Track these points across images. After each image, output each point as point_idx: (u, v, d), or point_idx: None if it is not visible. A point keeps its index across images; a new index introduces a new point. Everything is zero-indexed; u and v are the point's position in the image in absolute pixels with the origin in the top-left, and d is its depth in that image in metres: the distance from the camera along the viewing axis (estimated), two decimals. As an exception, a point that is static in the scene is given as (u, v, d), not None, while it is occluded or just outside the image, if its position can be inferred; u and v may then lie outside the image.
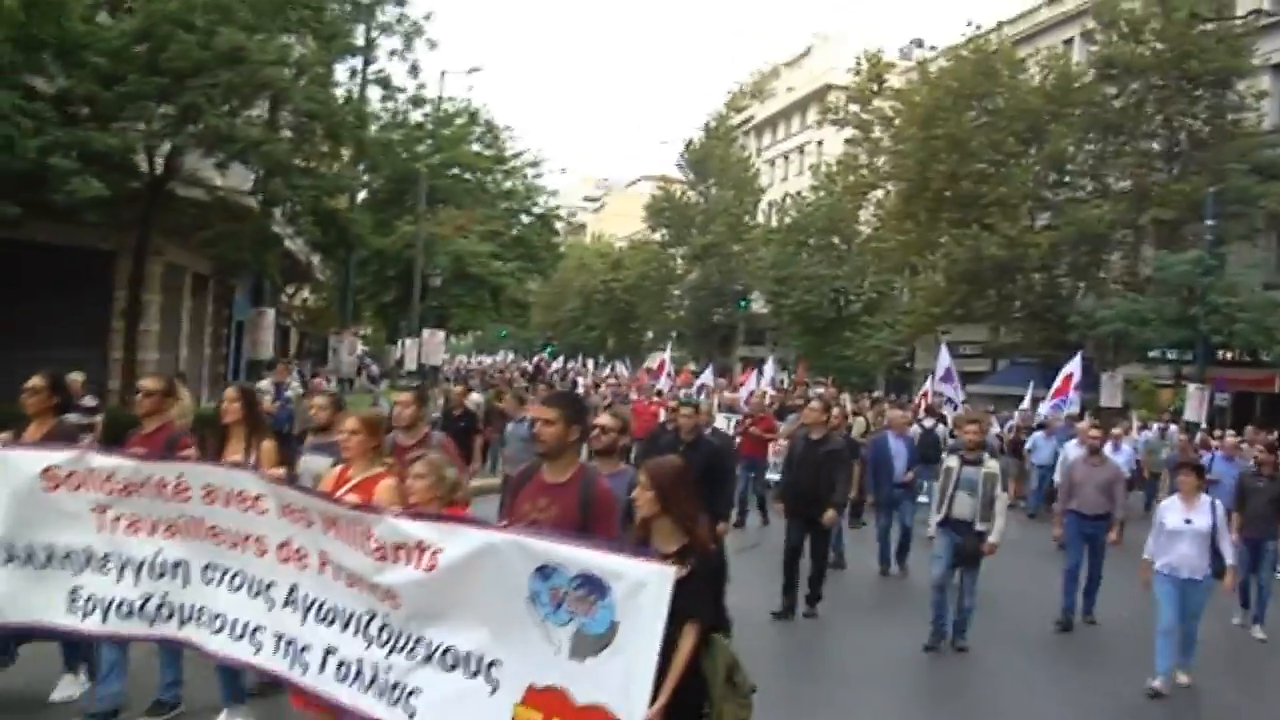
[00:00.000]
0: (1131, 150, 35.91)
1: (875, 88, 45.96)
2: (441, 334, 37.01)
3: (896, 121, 43.40)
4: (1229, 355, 32.84)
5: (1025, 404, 27.17)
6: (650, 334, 78.09)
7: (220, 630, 6.26)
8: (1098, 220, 34.84)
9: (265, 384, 19.32)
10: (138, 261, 19.59)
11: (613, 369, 52.93)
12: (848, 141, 51.43)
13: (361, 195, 35.25)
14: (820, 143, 64.04)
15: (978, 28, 42.60)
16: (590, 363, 64.36)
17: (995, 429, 23.81)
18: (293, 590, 6.01)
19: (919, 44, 63.16)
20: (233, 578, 6.30)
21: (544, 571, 5.03)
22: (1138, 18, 34.71)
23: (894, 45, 62.65)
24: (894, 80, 46.79)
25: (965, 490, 10.73)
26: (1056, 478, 17.51)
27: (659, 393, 27.84)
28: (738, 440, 18.29)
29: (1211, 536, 9.99)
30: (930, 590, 11.08)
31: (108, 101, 16.41)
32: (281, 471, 6.92)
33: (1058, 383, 25.88)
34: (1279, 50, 35.47)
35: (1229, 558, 10.23)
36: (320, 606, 5.87)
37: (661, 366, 34.46)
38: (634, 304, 75.28)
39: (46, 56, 16.21)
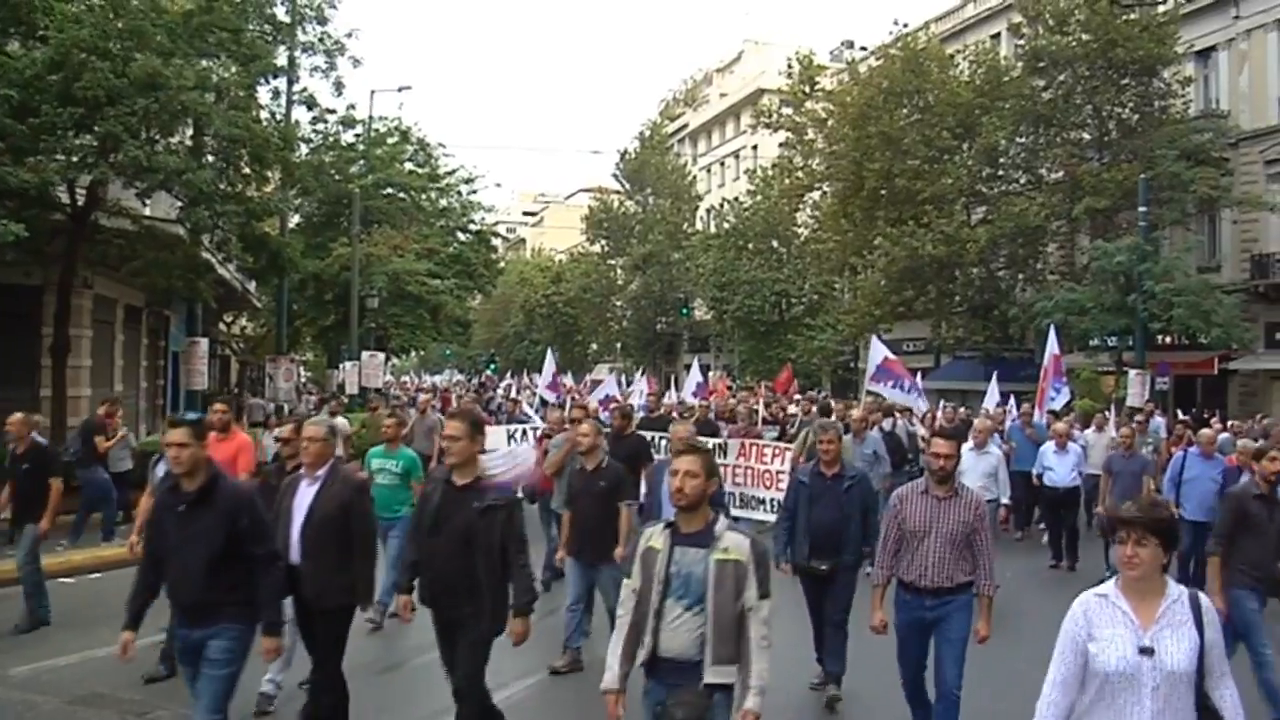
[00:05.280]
0: (1063, 141, 36.21)
1: (807, 90, 45.99)
2: (381, 356, 36.60)
3: (830, 122, 43.49)
4: (1168, 340, 33.19)
5: (988, 402, 24.08)
6: (594, 346, 77.88)
7: None
8: (1033, 212, 35.04)
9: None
10: (64, 296, 19.14)
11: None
12: (782, 145, 51.48)
13: (295, 219, 34.85)
14: (755, 147, 64.21)
15: (905, 26, 42.84)
16: (534, 377, 63.97)
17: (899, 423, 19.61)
18: None
19: (849, 45, 63.47)
20: None
21: None
22: (1063, 9, 35.03)
23: (824, 48, 63.22)
24: (826, 82, 46.87)
25: (680, 597, 5.32)
26: (1003, 499, 14.28)
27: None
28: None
29: (1198, 679, 4.36)
30: None
31: (22, 134, 15.97)
32: None
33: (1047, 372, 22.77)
34: (1201, 37, 35.95)
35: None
36: None
37: (556, 384, 26.97)
38: (576, 317, 75.14)
39: (-47, 91, 15.76)
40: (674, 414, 21.53)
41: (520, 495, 7.64)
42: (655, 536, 5.52)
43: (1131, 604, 4.39)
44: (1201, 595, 4.45)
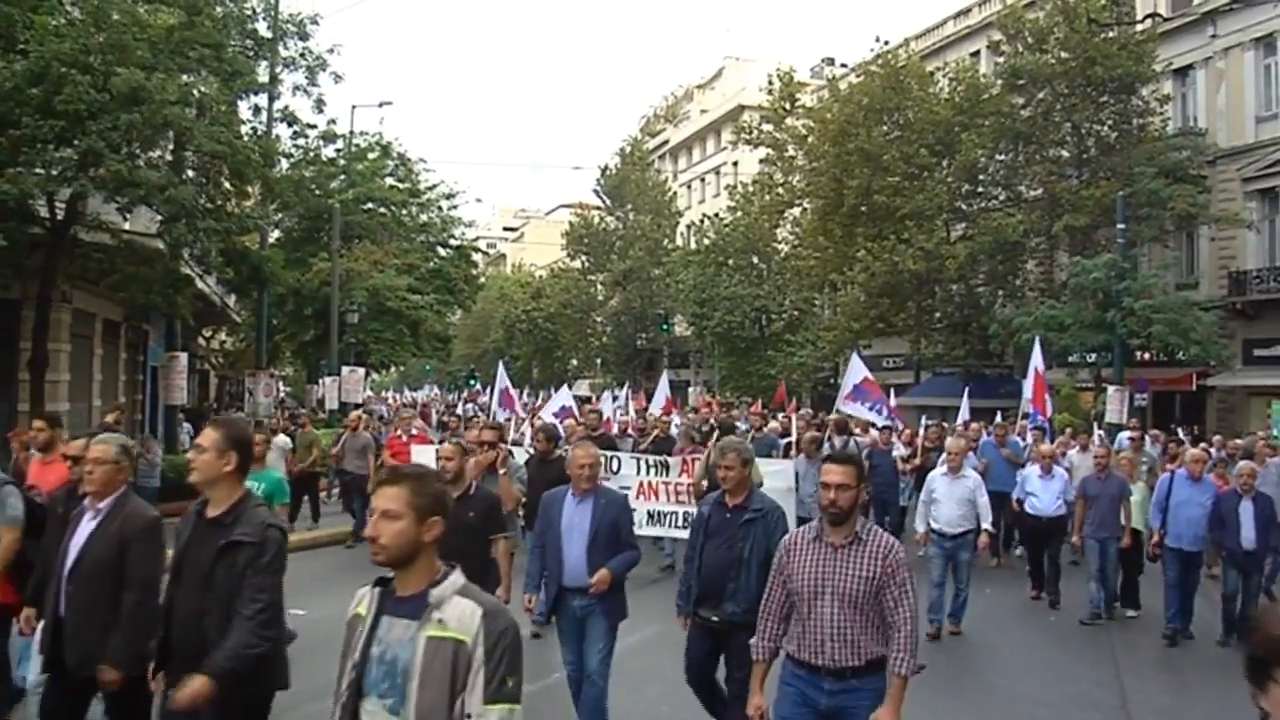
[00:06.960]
0: (1042, 158, 36.33)
1: (788, 107, 46.00)
2: (360, 371, 36.47)
3: (810, 139, 43.54)
4: (1146, 356, 33.35)
5: (960, 420, 22.54)
6: (575, 361, 77.72)
7: None
8: (1012, 229, 35.13)
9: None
10: (42, 310, 19.02)
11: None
12: (762, 161, 51.54)
13: (275, 233, 34.74)
14: (735, 163, 64.28)
15: (885, 44, 42.95)
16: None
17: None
18: None
19: (830, 62, 63.57)
20: None
21: None
22: (1042, 28, 35.21)
23: (805, 65, 63.24)
24: (806, 99, 46.92)
25: (382, 694, 3.55)
26: (985, 525, 12.67)
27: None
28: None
29: None
30: None
31: (1, 147, 15.89)
32: None
33: (1029, 390, 22.27)
34: (1179, 55, 36.15)
35: None
36: None
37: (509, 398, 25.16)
38: (556, 332, 74.97)
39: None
40: (629, 431, 20.96)
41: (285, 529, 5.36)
42: (365, 598, 3.75)
43: None
44: None
